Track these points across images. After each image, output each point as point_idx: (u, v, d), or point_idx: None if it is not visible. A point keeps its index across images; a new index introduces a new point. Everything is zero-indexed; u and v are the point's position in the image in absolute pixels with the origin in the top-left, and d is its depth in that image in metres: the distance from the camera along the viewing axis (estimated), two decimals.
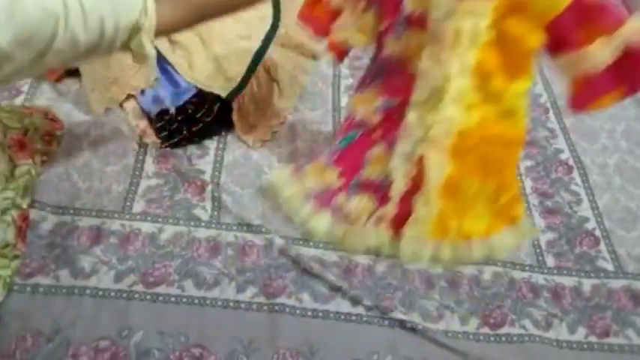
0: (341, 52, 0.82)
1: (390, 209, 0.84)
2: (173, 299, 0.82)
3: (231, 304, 0.83)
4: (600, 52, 0.65)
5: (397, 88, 0.76)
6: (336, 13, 0.78)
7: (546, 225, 1.01)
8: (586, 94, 0.70)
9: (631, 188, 1.10)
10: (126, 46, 0.58)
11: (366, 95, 0.82)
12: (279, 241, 0.89)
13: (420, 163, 0.78)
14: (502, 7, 0.65)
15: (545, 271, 0.95)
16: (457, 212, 0.83)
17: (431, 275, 0.90)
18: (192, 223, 0.91)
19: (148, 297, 0.82)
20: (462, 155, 0.76)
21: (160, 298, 0.82)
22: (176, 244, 0.88)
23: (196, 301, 0.82)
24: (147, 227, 0.89)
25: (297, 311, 0.83)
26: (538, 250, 0.97)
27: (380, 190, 0.84)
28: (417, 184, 0.81)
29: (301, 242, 0.91)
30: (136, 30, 0.56)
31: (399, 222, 0.84)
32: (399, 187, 0.82)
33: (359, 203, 0.85)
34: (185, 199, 0.94)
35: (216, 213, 0.93)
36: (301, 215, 0.88)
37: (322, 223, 0.87)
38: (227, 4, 0.66)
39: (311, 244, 0.91)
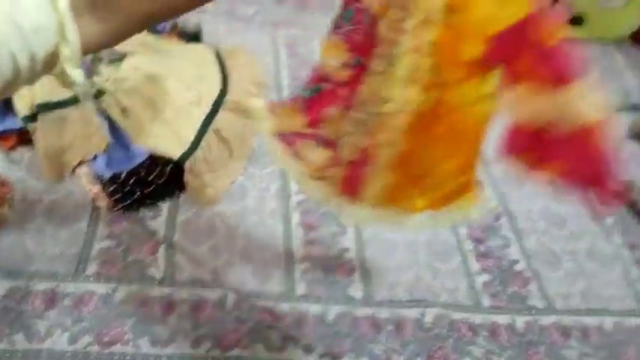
0: None
1: (338, 173, 0.74)
2: (129, 357, 0.84)
3: (187, 359, 0.85)
4: (532, 106, 0.58)
5: (365, 46, 0.67)
6: None
7: (481, 268, 1.10)
8: (512, 141, 0.64)
9: (554, 231, 1.21)
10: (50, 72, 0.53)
11: (334, 42, 0.70)
12: (232, 296, 0.93)
13: (372, 135, 0.69)
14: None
15: (482, 310, 1.02)
16: (407, 187, 0.74)
17: (378, 320, 0.96)
18: (146, 283, 0.94)
19: (104, 357, 0.83)
20: (418, 132, 0.67)
21: (116, 357, 0.83)
22: (130, 304, 0.90)
23: (152, 358, 0.84)
24: (101, 288, 0.91)
25: None
26: (474, 292, 1.05)
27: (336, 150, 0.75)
28: (368, 154, 0.71)
29: (253, 297, 0.95)
30: (55, 59, 0.51)
31: (350, 184, 0.75)
32: (346, 154, 0.73)
33: (320, 156, 0.76)
34: (138, 260, 0.96)
35: (170, 271, 0.96)
36: (275, 154, 0.77)
37: (291, 167, 0.76)
38: (164, 11, 0.57)
39: (261, 297, 0.95)
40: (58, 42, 0.50)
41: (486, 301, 1.04)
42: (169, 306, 0.91)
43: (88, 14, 0.51)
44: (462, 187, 0.75)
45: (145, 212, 1.05)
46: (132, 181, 1.03)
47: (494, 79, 0.61)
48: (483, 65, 0.59)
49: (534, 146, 0.62)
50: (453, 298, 1.02)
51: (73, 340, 0.84)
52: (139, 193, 1.04)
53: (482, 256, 1.12)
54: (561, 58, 0.56)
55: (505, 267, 1.11)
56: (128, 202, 1.04)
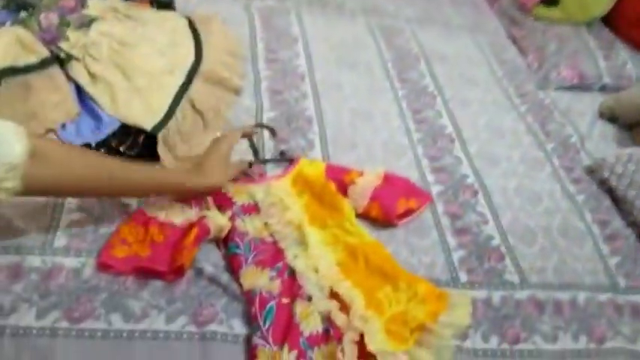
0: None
1: (353, 335, 0.85)
2: (100, 334, 0.80)
3: (161, 334, 0.83)
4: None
5: (271, 255, 0.94)
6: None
7: (457, 243, 1.10)
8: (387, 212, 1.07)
9: (529, 208, 1.22)
10: None
11: (251, 269, 0.92)
12: (208, 269, 0.91)
13: (336, 295, 0.90)
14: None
15: (459, 286, 1.02)
16: (394, 321, 0.89)
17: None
18: None
19: (73, 333, 0.80)
20: (356, 277, 0.93)
21: (86, 334, 0.80)
22: (101, 278, 0.87)
23: (124, 334, 0.81)
24: (70, 262, 0.87)
25: (229, 338, 0.85)
26: (452, 267, 1.05)
27: (329, 335, 0.86)
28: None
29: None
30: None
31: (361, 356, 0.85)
32: (339, 318, 0.87)
33: (324, 354, 0.85)
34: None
35: None
36: None
37: None
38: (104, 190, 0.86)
39: None
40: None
41: (463, 277, 1.04)
42: (143, 280, 0.88)
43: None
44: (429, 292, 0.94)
45: None
46: (102, 151, 0.99)
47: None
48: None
49: None
50: (430, 273, 1.02)
51: (40, 315, 0.80)
52: None
53: (458, 232, 1.12)
54: None
55: (481, 242, 1.11)
56: None
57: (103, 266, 0.87)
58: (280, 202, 1.01)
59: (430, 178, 1.22)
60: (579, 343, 1.00)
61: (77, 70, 1.04)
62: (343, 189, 1.08)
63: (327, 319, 0.87)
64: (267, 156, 1.14)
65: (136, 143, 1.02)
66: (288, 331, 0.84)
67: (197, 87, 1.13)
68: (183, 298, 0.87)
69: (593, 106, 1.60)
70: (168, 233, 0.91)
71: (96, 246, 0.90)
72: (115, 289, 0.86)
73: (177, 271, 0.88)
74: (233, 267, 0.92)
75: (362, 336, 0.84)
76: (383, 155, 1.24)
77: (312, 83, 1.36)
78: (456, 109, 1.43)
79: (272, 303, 0.87)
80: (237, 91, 1.23)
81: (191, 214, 0.95)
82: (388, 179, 1.11)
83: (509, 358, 0.94)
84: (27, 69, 0.99)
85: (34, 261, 0.86)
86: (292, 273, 0.92)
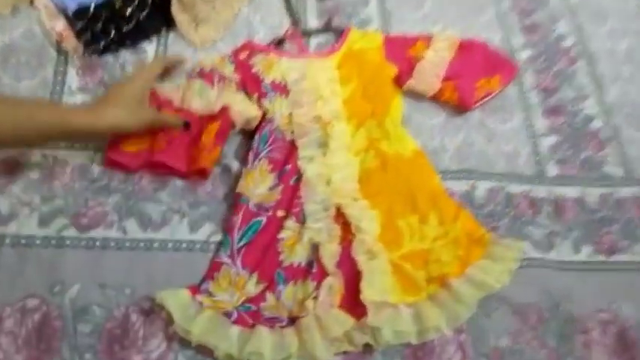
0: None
1: (333, 282, 0.67)
2: (113, 244, 0.69)
3: (184, 245, 0.70)
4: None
5: (284, 154, 0.76)
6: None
7: (548, 127, 0.88)
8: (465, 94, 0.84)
9: None
10: None
11: (257, 170, 0.74)
12: (236, 165, 0.75)
13: (340, 219, 0.71)
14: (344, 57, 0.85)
15: (546, 181, 0.83)
16: (412, 260, 0.71)
17: None
18: None
19: (83, 243, 0.68)
20: (378, 196, 0.74)
21: (98, 244, 0.68)
22: (112, 177, 0.73)
23: (142, 244, 0.69)
24: (75, 157, 0.73)
25: None
26: (539, 158, 0.85)
27: (311, 270, 0.68)
28: (347, 245, 0.70)
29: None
30: None
31: (351, 302, 0.67)
32: (328, 251, 0.68)
33: (295, 293, 0.67)
34: None
35: None
36: (230, 344, 0.62)
37: (264, 342, 0.63)
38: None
39: None
40: None
41: (552, 170, 0.84)
42: (161, 179, 0.74)
43: None
44: (463, 234, 0.73)
45: (126, 56, 0.83)
46: (104, 16, 0.79)
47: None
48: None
49: None
50: (512, 165, 0.83)
51: (43, 222, 0.69)
52: (114, 32, 0.81)
53: (551, 111, 0.89)
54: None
55: (578, 125, 0.89)
56: (102, 43, 0.81)
57: (111, 163, 0.72)
58: (315, 90, 0.80)
59: (518, 40, 0.96)
60: None
61: None
62: (408, 68, 0.85)
63: (317, 250, 0.69)
64: (310, 24, 0.92)
65: (145, 3, 0.81)
66: (264, 257, 0.69)
67: None
68: (208, 202, 0.73)
69: None
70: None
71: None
72: (129, 190, 0.72)
73: (198, 174, 0.73)
74: (244, 156, 0.76)
75: (358, 276, 0.67)
76: (457, 11, 0.98)
77: None
78: None
79: (261, 218, 0.71)
80: None
81: (212, 95, 0.76)
82: (465, 48, 0.87)
83: (604, 272, 0.77)
84: None
85: (34, 156, 0.72)
86: (298, 180, 0.74)
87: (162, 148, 0.72)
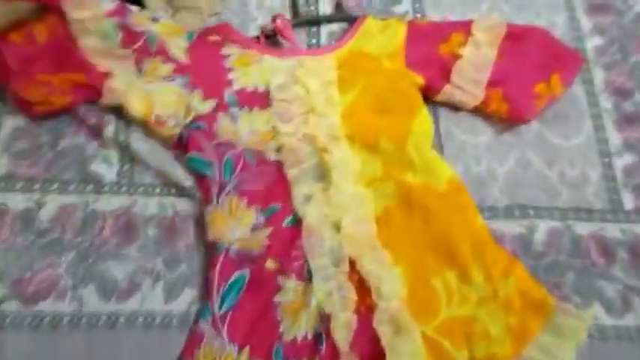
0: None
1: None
2: (67, 319, 0.53)
3: (158, 319, 0.54)
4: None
5: (266, 182, 0.58)
6: None
7: (623, 142, 0.69)
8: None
9: None
10: None
11: (224, 209, 0.56)
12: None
13: (354, 275, 0.55)
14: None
15: (622, 217, 0.65)
16: (451, 333, 0.54)
17: None
18: (90, 188, 0.59)
19: (27, 321, 0.53)
20: (403, 244, 0.57)
21: (46, 321, 0.53)
22: (66, 227, 0.57)
23: (103, 320, 0.54)
24: (17, 201, 0.57)
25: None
26: (611, 185, 0.66)
27: (319, 348, 0.52)
28: (366, 311, 0.54)
29: None
30: None
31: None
32: (340, 322, 0.53)
33: None
34: (75, 148, 0.60)
35: (127, 168, 0.60)
36: None
37: None
38: None
39: None
40: None
41: (629, 201, 0.66)
42: (129, 228, 0.57)
43: None
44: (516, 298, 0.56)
45: None
46: None
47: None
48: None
49: None
50: (578, 197, 0.65)
51: None
52: None
53: (625, 120, 0.70)
54: None
55: None
56: None
57: None
58: (306, 99, 0.61)
59: (585, 23, 0.76)
60: None
61: None
62: (442, 72, 0.65)
63: (327, 320, 0.53)
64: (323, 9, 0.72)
65: None
66: (257, 326, 0.53)
67: None
68: (190, 258, 0.57)
69: None
70: (57, 34, 0.58)
71: (55, 172, 0.59)
72: (87, 244, 0.56)
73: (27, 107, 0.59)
74: (202, 193, 0.58)
75: (381, 355, 0.52)
76: None
77: None
78: None
79: (244, 271, 0.54)
80: None
81: (119, 53, 0.60)
82: (515, 39, 0.67)
83: None
84: None
85: None
86: (295, 223, 0.57)
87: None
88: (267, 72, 0.63)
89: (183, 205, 0.59)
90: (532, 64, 0.66)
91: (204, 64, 0.62)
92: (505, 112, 0.65)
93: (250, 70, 0.63)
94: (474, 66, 0.65)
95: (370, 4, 0.72)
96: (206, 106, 0.60)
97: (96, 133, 0.60)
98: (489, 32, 0.67)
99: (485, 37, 0.67)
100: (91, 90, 0.59)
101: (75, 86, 0.58)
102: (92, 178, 0.59)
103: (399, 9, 0.73)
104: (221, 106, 0.61)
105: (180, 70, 0.61)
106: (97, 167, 0.59)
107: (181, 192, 0.59)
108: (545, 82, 0.66)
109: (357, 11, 0.71)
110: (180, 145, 0.59)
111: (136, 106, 0.58)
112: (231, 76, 0.62)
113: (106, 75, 0.58)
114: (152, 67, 0.60)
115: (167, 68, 0.61)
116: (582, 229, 0.63)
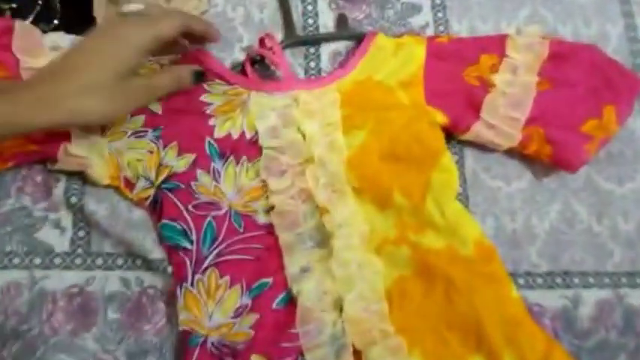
0: None
1: None
2: None
3: None
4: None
5: (257, 255, 0.48)
6: None
7: None
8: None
9: None
10: None
11: (203, 288, 0.46)
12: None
13: None
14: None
15: None
16: None
17: None
18: (39, 262, 0.48)
19: None
20: (419, 325, 0.47)
21: None
22: (9, 309, 0.47)
23: None
24: None
25: None
26: None
27: None
28: None
29: None
30: None
31: None
32: None
33: None
34: (22, 211, 0.50)
35: (82, 235, 0.49)
36: None
37: None
38: None
39: None
40: None
41: None
42: (86, 310, 0.47)
43: None
44: None
45: None
46: None
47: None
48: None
49: None
50: (632, 258, 0.53)
51: None
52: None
53: None
54: None
55: None
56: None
57: None
58: (303, 145, 0.50)
59: None
60: None
61: None
62: (469, 105, 0.53)
63: None
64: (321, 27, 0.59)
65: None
66: None
67: None
68: (160, 344, 0.47)
69: None
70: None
71: None
72: (34, 333, 0.46)
73: None
74: (175, 270, 0.48)
75: None
76: None
77: None
78: None
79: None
80: None
81: None
82: (559, 59, 0.54)
83: None
84: None
85: None
86: (288, 303, 0.47)
87: None
88: (254, 114, 0.51)
89: (152, 280, 0.49)
90: (581, 94, 0.53)
91: (180, 113, 0.51)
92: (547, 156, 0.53)
93: (235, 114, 0.51)
94: (510, 100, 0.52)
95: (382, 16, 0.59)
96: (182, 162, 0.49)
97: (43, 192, 0.50)
98: (528, 53, 0.54)
99: (523, 59, 0.54)
100: (41, 155, 0.48)
101: (19, 152, 0.47)
102: (40, 248, 0.49)
103: (417, 20, 0.60)
104: (201, 161, 0.49)
105: (153, 122, 0.50)
106: (46, 235, 0.49)
107: (148, 265, 0.49)
108: (597, 118, 0.53)
109: (365, 25, 0.58)
110: (155, 211, 0.49)
111: (99, 173, 0.48)
112: (212, 122, 0.51)
113: (62, 137, 0.47)
114: (118, 122, 0.49)
115: (137, 121, 0.50)
116: (637, 299, 0.52)
